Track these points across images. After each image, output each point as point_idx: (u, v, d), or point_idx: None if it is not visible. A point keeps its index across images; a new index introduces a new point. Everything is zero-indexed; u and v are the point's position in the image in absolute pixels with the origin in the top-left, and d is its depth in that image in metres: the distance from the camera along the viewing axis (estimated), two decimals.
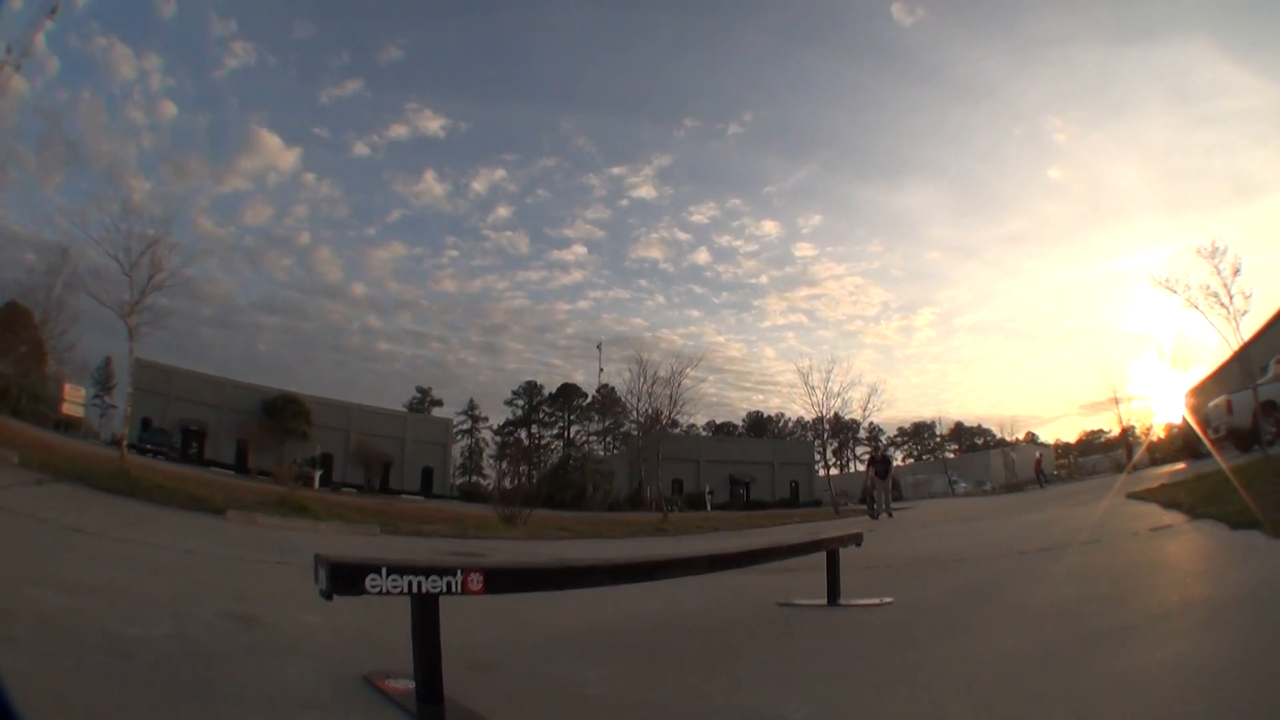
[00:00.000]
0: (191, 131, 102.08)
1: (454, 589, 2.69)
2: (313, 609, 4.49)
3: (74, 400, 49.51)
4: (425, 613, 2.65)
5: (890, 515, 22.18)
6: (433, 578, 2.64)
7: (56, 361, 47.05)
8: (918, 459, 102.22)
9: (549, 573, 3.45)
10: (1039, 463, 49.91)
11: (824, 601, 5.44)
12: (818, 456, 73.09)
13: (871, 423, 79.27)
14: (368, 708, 2.76)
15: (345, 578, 2.55)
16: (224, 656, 3.33)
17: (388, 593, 2.57)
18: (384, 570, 2.55)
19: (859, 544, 5.86)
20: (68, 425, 47.14)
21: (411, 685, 2.74)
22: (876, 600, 5.51)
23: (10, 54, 30.88)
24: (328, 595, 2.59)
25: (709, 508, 53.92)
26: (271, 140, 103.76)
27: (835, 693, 3.23)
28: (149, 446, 43.62)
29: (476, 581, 2.76)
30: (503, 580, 3.01)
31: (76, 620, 3.65)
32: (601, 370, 79.83)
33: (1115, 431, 60.06)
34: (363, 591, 2.55)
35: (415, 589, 2.61)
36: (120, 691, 2.64)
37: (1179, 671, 3.13)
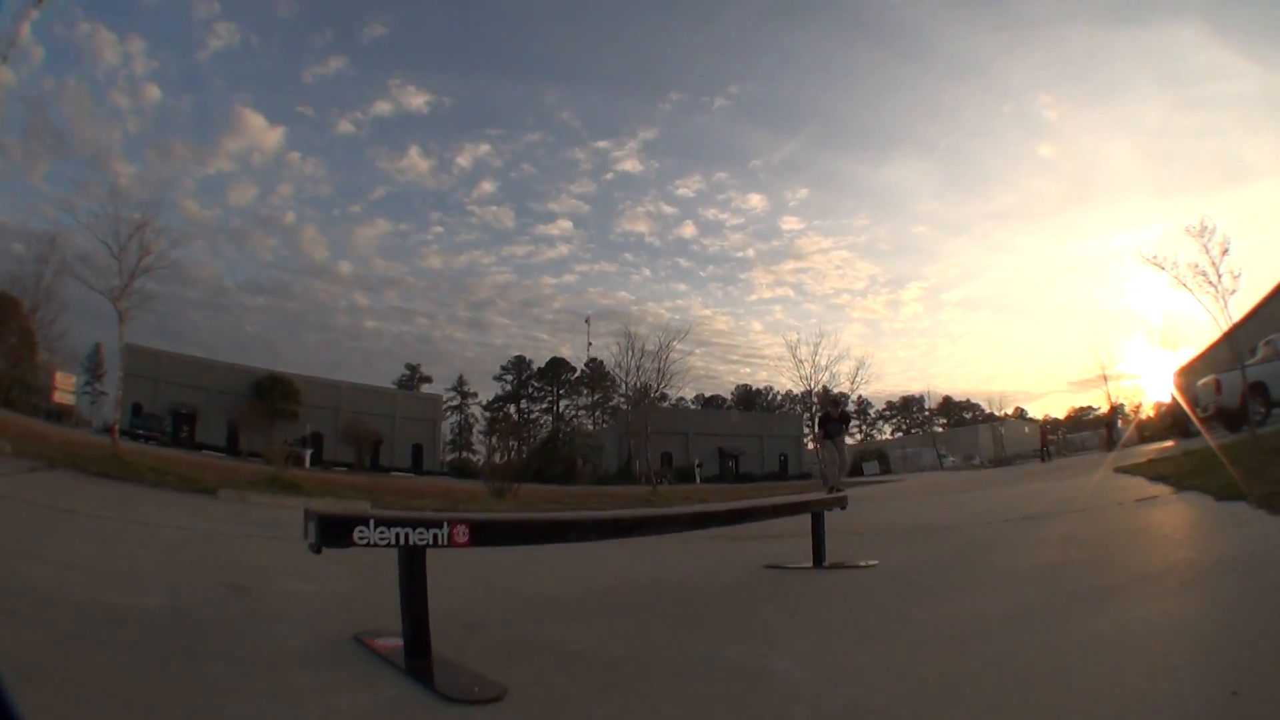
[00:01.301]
0: (176, 114, 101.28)
1: (440, 541, 2.72)
2: (304, 577, 4.63)
3: (65, 389, 49.40)
4: (412, 566, 2.67)
5: (839, 489, 15.44)
6: (419, 530, 2.66)
7: (47, 350, 46.96)
8: (906, 432, 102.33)
9: (535, 526, 3.54)
10: (1045, 434, 49.48)
11: (810, 564, 5.51)
12: (806, 430, 73.31)
13: (859, 396, 79.49)
14: (357, 664, 2.78)
15: (334, 530, 2.58)
16: (216, 623, 3.36)
17: (374, 544, 2.60)
18: (371, 522, 2.58)
19: (844, 507, 5.94)
20: (59, 414, 47.14)
21: (400, 643, 2.77)
22: (862, 563, 5.60)
23: None
24: (317, 549, 2.62)
25: (698, 480, 53.98)
26: (256, 120, 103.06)
27: (816, 647, 3.29)
28: (140, 431, 43.63)
29: (462, 534, 2.78)
30: (489, 533, 3.03)
31: (71, 594, 3.68)
32: (590, 344, 79.69)
33: (1104, 409, 60.16)
34: (350, 543, 2.58)
35: (402, 540, 2.64)
36: (114, 657, 2.68)
37: (1161, 628, 3.18)
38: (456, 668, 2.67)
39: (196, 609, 3.68)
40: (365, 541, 2.59)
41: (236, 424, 59.38)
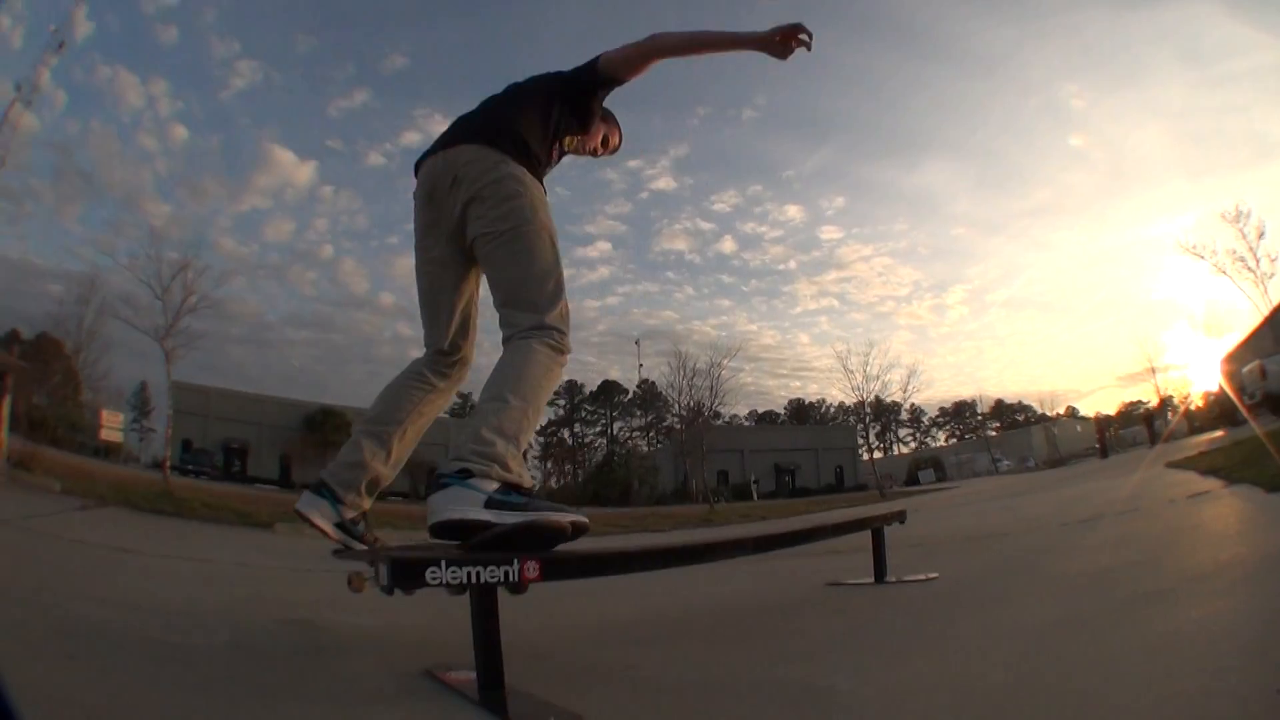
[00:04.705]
0: (205, 153, 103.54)
1: (511, 578, 2.77)
2: (368, 612, 4.64)
3: (112, 426, 50.27)
4: (484, 602, 2.72)
5: None
6: (490, 568, 2.71)
7: (92, 389, 47.93)
8: (960, 438, 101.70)
9: (604, 558, 3.50)
10: (1102, 431, 48.99)
11: (871, 580, 5.53)
12: (860, 441, 73.15)
13: (912, 404, 79.30)
14: (431, 698, 2.80)
15: (406, 572, 2.64)
16: (285, 660, 3.39)
17: (447, 584, 2.65)
18: (443, 563, 2.63)
19: (902, 521, 5.96)
20: (107, 451, 48.07)
21: (471, 675, 2.79)
22: (922, 576, 5.60)
23: (20, 91, 31.50)
24: (389, 590, 2.67)
25: (755, 497, 54.08)
26: (285, 156, 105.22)
27: (881, 663, 3.32)
28: (191, 467, 44.39)
29: (533, 569, 2.82)
30: (559, 567, 3.07)
31: (134, 634, 3.70)
32: (640, 366, 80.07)
33: (1154, 402, 59.50)
34: (423, 584, 2.63)
35: (474, 579, 2.68)
36: (186, 698, 2.69)
37: (1212, 629, 3.17)
38: (530, 698, 2.68)
39: (263, 646, 3.71)
40: (438, 581, 2.63)
41: (289, 457, 60.46)
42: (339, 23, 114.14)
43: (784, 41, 3.81)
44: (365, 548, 3.62)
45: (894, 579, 5.53)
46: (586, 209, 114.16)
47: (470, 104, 3.95)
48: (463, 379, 3.99)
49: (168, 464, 21.29)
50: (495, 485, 2.95)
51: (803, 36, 3.78)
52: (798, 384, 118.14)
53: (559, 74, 4.03)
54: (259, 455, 65.21)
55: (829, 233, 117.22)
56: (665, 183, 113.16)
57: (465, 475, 2.92)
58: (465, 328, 3.88)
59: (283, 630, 4.13)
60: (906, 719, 2.52)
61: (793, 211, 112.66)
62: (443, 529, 2.96)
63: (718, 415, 50.95)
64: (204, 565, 7.64)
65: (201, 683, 2.89)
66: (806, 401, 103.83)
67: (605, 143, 4.43)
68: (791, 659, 3.54)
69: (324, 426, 61.49)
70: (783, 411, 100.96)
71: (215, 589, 6.09)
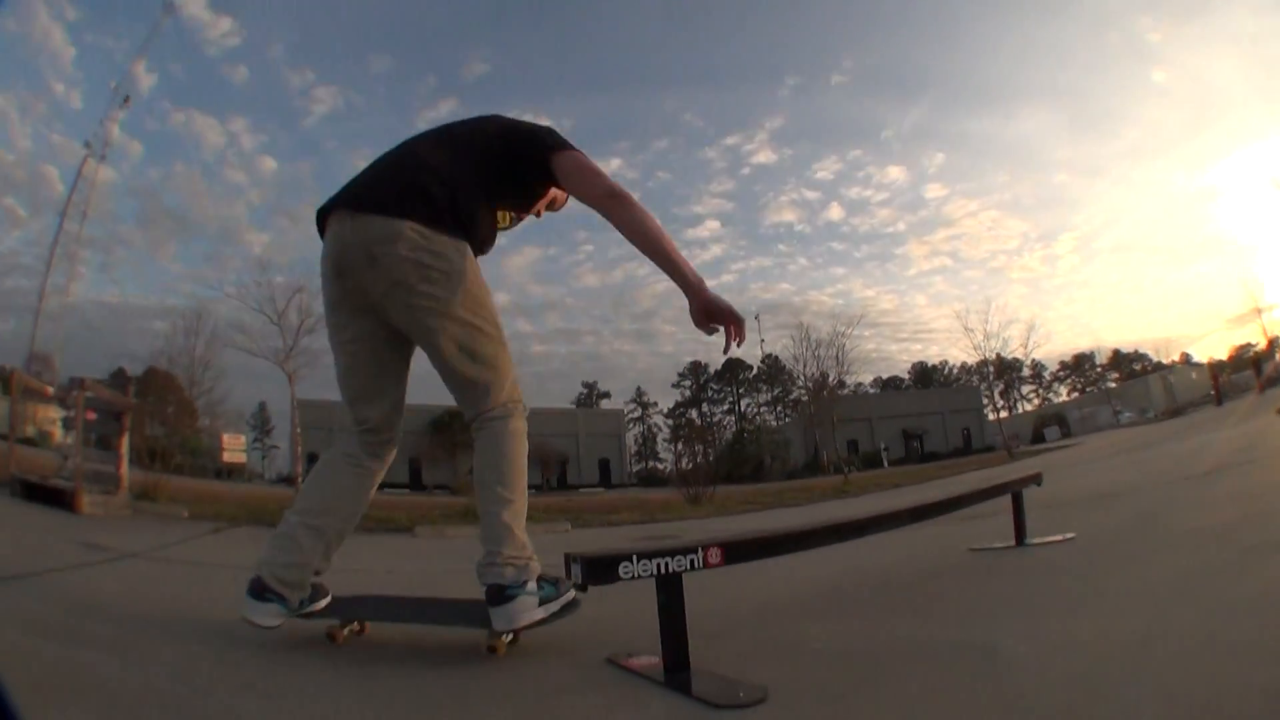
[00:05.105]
0: (298, 180, 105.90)
1: (696, 565, 3.00)
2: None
3: (234, 448, 52.48)
4: (671, 591, 2.93)
5: None
6: (677, 558, 2.94)
7: (209, 415, 49.31)
8: (1081, 392, 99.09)
9: (780, 539, 3.74)
10: (1216, 377, 47.57)
11: (1012, 543, 5.73)
12: (985, 401, 71.82)
13: (1034, 360, 77.46)
14: (620, 685, 2.94)
15: (599, 570, 2.89)
16: (465, 663, 3.44)
17: (637, 577, 2.87)
18: (634, 557, 2.88)
19: (1039, 484, 6.16)
20: (230, 472, 49.56)
21: (653, 660, 3.00)
22: (1060, 537, 5.77)
23: (90, 148, 32.55)
24: (583, 588, 2.96)
25: (885, 464, 53.43)
26: None
27: (1030, 622, 3.50)
28: None
29: (716, 556, 3.07)
30: (740, 551, 3.31)
31: (298, 651, 3.71)
32: (763, 341, 79.51)
33: (1262, 344, 57.35)
34: (616, 579, 2.86)
35: (662, 570, 2.91)
36: (383, 708, 2.80)
37: None
38: (713, 676, 2.83)
39: (435, 651, 3.75)
40: (629, 575, 2.85)
41: (418, 460, 61.48)
42: (410, 40, 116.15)
43: (708, 316, 3.41)
44: (325, 603, 3.67)
45: (1034, 541, 5.70)
46: (690, 190, 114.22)
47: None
48: (392, 457, 3.78)
49: (299, 479, 21.61)
50: (534, 584, 3.28)
51: (734, 339, 3.38)
52: (918, 347, 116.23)
53: (506, 132, 3.67)
54: None
55: (934, 190, 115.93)
56: (765, 156, 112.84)
57: (520, 585, 3.23)
58: (397, 408, 3.70)
59: (455, 633, 4.06)
60: (1062, 672, 2.69)
61: (895, 172, 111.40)
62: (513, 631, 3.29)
63: (843, 384, 50.23)
64: (355, 575, 7.33)
65: (394, 694, 2.99)
66: (930, 364, 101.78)
67: (552, 203, 4.02)
68: (949, 622, 3.76)
69: (451, 427, 62.27)
70: (906, 376, 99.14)
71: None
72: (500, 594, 3.18)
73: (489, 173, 3.51)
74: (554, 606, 3.27)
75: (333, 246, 3.33)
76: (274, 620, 3.37)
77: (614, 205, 3.46)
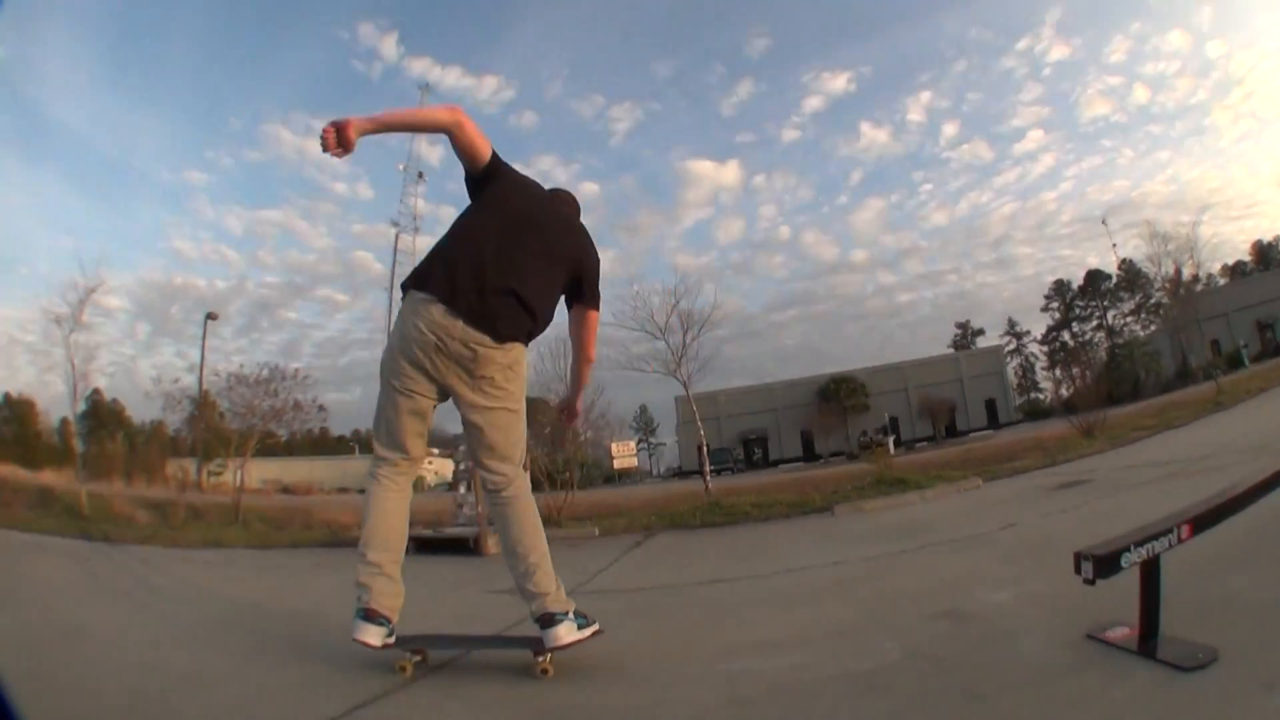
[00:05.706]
0: (624, 195, 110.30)
1: (1173, 544, 3.36)
2: (1000, 589, 4.94)
3: (623, 455, 56.61)
4: (1151, 570, 3.33)
5: None
6: (1161, 540, 3.32)
7: (592, 429, 52.48)
8: None
9: (1239, 499, 3.89)
10: None
11: None
12: None
13: None
14: (1103, 656, 3.29)
15: (1106, 565, 3.21)
16: (963, 657, 3.68)
17: (1134, 564, 3.23)
18: (1131, 547, 3.25)
19: None
20: (621, 476, 54.89)
21: (1126, 630, 3.37)
22: None
23: (399, 226, 35.61)
24: (1091, 582, 3.26)
25: (1246, 363, 49.10)
26: (704, 166, 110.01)
27: None
28: (713, 467, 47.36)
29: (1185, 531, 3.43)
30: (1205, 520, 3.62)
31: (803, 676, 3.88)
32: (1114, 246, 75.04)
33: None
34: (1119, 570, 3.20)
35: (1151, 554, 3.29)
36: None
37: None
38: (1175, 641, 3.17)
39: (931, 650, 3.92)
40: (1129, 565, 3.24)
41: (809, 432, 62.38)
42: (683, 38, 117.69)
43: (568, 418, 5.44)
44: (391, 638, 4.24)
45: None
46: (1004, 103, 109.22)
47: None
48: None
49: (706, 476, 22.09)
50: (573, 615, 4.17)
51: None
52: (1251, 223, 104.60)
53: (592, 277, 4.65)
54: (777, 438, 70.01)
55: (1214, 48, 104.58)
56: (1059, 51, 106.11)
57: (566, 613, 4.14)
58: (427, 442, 4.44)
59: (940, 627, 4.36)
60: None
61: (1175, 37, 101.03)
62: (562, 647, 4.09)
63: (1195, 279, 46.12)
64: (838, 567, 7.23)
65: (900, 710, 3.23)
66: (1264, 242, 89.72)
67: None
68: None
69: (838, 394, 62.72)
70: (1248, 259, 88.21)
71: (834, 600, 5.81)
72: (551, 619, 4.11)
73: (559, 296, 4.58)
74: (586, 632, 4.16)
75: (441, 332, 4.05)
76: (380, 639, 4.17)
77: (591, 362, 4.85)
